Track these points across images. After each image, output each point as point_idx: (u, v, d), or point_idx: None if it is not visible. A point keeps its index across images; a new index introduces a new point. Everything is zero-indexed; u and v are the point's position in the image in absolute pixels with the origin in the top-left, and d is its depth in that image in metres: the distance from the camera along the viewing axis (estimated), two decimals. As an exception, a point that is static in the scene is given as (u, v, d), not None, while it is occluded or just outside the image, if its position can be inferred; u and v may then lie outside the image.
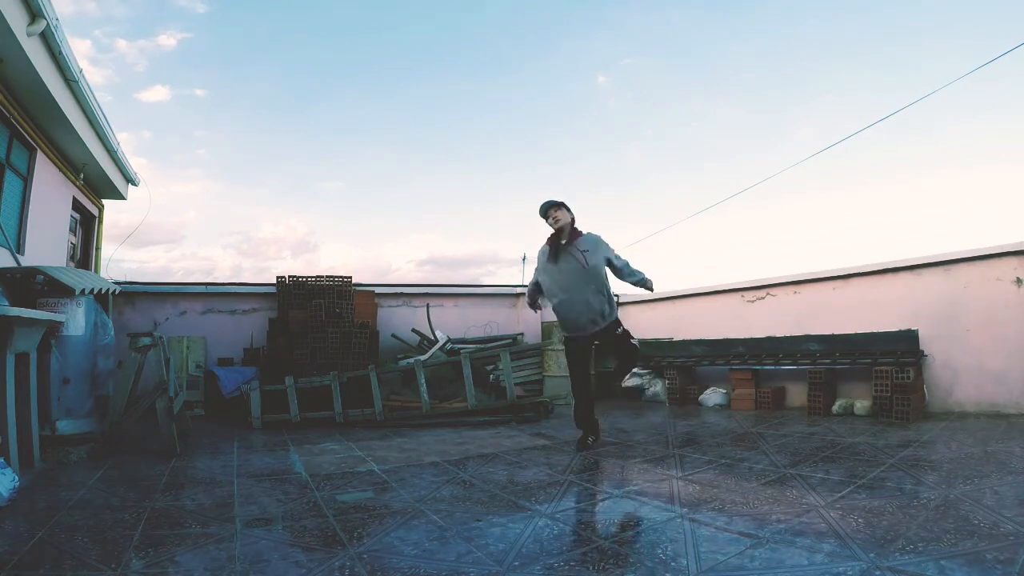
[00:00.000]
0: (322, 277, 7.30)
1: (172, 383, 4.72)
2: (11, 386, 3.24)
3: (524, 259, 12.07)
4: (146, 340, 4.35)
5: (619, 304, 8.43)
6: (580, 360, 4.06)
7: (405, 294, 8.43)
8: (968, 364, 4.70)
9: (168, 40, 24.80)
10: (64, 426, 4.14)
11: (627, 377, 6.97)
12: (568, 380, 6.87)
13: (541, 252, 4.05)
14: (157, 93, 25.96)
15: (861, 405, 4.92)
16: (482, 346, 7.29)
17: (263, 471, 3.59)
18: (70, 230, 7.24)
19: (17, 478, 2.87)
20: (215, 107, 26.44)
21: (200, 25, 24.79)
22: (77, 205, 7.30)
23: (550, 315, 8.76)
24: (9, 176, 5.28)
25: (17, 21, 4.04)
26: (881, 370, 4.69)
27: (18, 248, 5.38)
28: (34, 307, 4.11)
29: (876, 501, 2.46)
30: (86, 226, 8.04)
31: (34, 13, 4.20)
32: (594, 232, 4.01)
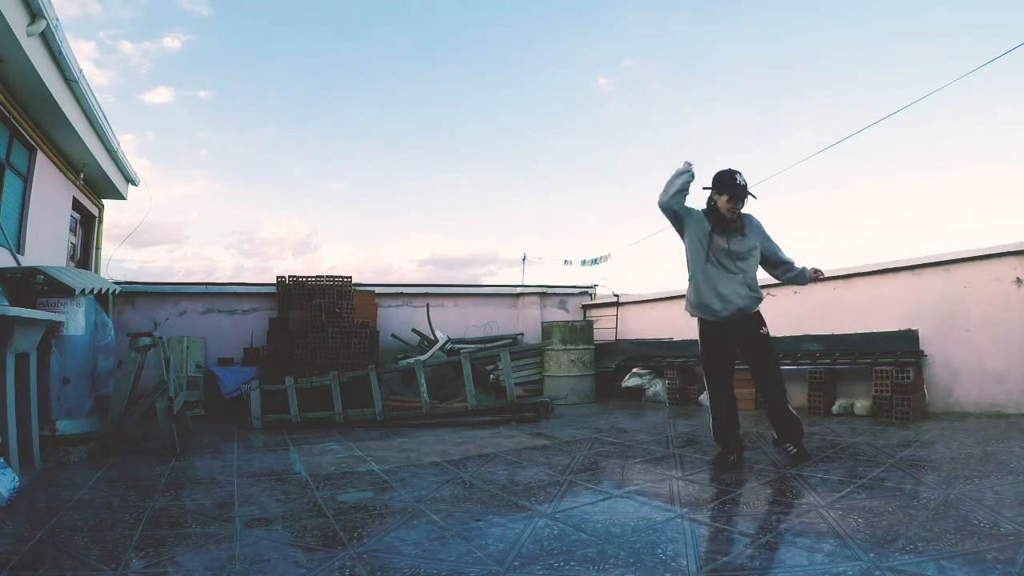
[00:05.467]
0: (322, 277, 7.30)
1: (172, 383, 4.72)
2: (11, 386, 3.23)
3: (524, 259, 12.02)
4: (146, 340, 4.35)
5: (619, 304, 8.43)
6: (722, 351, 3.43)
7: (405, 294, 8.43)
8: (968, 364, 4.70)
9: (172, 42, 24.81)
10: (64, 426, 4.14)
11: (627, 378, 7.00)
12: (568, 380, 6.95)
13: (698, 217, 3.39)
14: (160, 95, 25.97)
15: (861, 405, 4.92)
16: (482, 346, 7.29)
17: (263, 471, 3.59)
18: (70, 230, 7.24)
19: (17, 478, 2.87)
20: (218, 108, 26.45)
21: (204, 27, 24.79)
22: (77, 205, 7.30)
23: (550, 315, 8.85)
24: (9, 176, 5.28)
25: (17, 21, 4.04)
26: (881, 370, 4.69)
27: (18, 248, 5.38)
28: (34, 307, 4.11)
29: (876, 501, 2.46)
30: (86, 226, 8.04)
31: (34, 13, 4.20)
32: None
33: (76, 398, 4.28)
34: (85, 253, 8.04)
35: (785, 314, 6.14)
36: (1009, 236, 4.56)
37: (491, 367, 6.67)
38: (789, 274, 3.57)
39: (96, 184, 7.62)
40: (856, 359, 5.13)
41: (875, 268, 5.41)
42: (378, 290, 8.21)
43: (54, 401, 4.14)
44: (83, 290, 4.41)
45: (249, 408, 5.65)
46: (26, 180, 5.66)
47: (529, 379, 7.19)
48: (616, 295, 8.53)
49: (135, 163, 7.88)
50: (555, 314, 8.95)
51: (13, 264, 4.95)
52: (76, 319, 4.35)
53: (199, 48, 24.94)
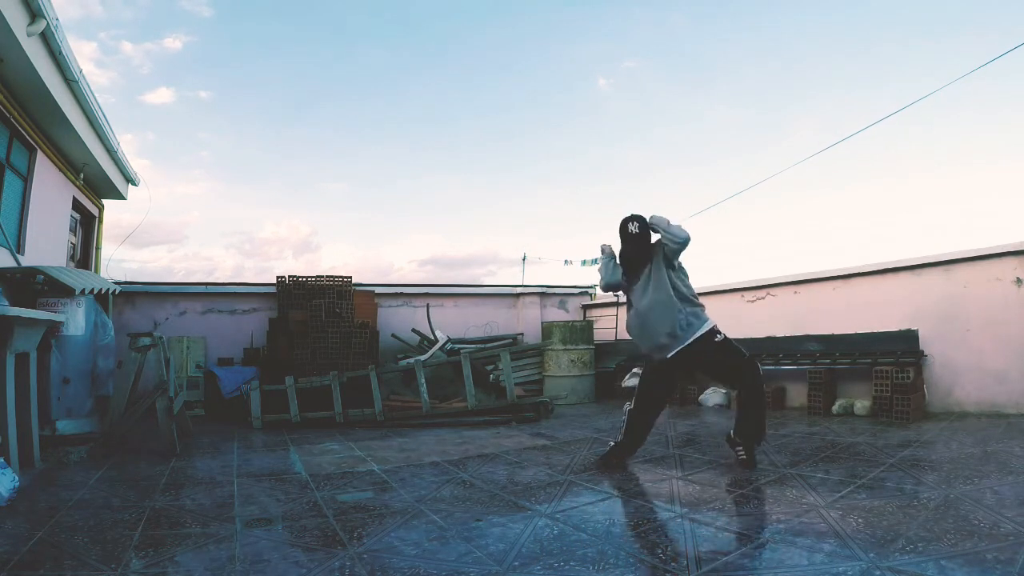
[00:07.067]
0: (322, 277, 7.30)
1: (172, 383, 4.72)
2: (11, 386, 3.23)
3: (524, 259, 12.01)
4: (146, 340, 4.35)
5: (619, 304, 8.42)
6: (656, 383, 3.42)
7: (405, 294, 8.43)
8: (968, 364, 4.70)
9: (173, 43, 24.86)
10: (64, 426, 4.14)
11: (627, 378, 7.00)
12: (568, 380, 6.95)
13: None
14: (161, 95, 26.02)
15: (861, 405, 4.92)
16: (482, 346, 7.29)
17: (263, 471, 3.59)
18: (70, 230, 7.24)
19: (17, 478, 2.87)
20: (219, 109, 26.49)
21: (205, 28, 24.84)
22: (77, 205, 7.29)
23: (550, 315, 8.85)
24: (9, 176, 5.28)
25: (17, 21, 4.03)
26: (881, 370, 4.69)
27: (18, 248, 5.38)
28: (34, 307, 4.11)
29: (876, 501, 2.46)
30: (86, 226, 8.03)
31: (34, 13, 4.19)
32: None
33: (76, 398, 4.27)
34: (85, 253, 8.04)
35: (785, 314, 6.14)
36: (1009, 236, 4.57)
37: (491, 367, 6.67)
38: None
39: (96, 184, 7.61)
40: (856, 359, 5.13)
41: (875, 268, 5.41)
42: (378, 290, 8.21)
43: (54, 401, 4.14)
44: (83, 290, 4.41)
45: (249, 408, 5.65)
46: (26, 180, 5.65)
47: (529, 379, 7.19)
48: (616, 295, 8.53)
49: (135, 163, 7.89)
50: (555, 314, 8.95)
51: (13, 264, 4.95)
52: (76, 319, 4.34)
53: (200, 49, 25.01)
